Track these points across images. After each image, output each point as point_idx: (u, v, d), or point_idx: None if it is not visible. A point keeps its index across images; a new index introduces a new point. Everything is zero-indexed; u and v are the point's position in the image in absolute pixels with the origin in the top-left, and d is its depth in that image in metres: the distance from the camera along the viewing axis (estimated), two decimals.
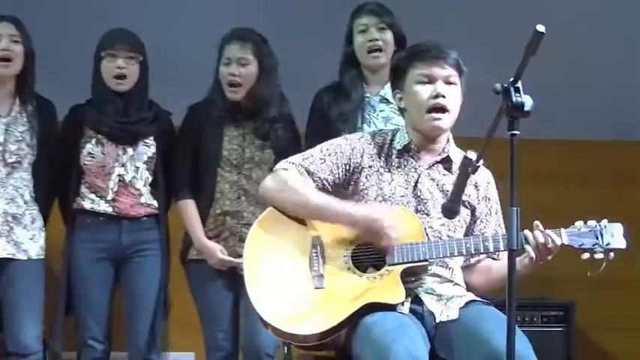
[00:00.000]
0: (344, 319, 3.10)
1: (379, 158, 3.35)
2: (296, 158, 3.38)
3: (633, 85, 5.82)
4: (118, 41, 4.33)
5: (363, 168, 3.34)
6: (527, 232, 3.14)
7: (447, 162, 3.36)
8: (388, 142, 3.37)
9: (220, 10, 5.45)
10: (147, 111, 4.42)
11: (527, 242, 3.13)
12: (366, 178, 3.33)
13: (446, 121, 3.29)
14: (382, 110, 4.34)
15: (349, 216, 3.20)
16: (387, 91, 4.28)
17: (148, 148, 4.40)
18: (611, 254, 3.16)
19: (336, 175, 3.34)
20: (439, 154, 3.36)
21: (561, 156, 5.86)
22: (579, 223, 3.20)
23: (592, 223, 3.20)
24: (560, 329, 5.38)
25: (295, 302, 3.17)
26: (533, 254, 3.12)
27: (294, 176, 3.30)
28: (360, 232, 3.21)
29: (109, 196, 4.34)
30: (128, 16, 5.03)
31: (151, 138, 4.41)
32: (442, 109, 3.26)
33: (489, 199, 3.40)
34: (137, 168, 4.38)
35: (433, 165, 3.35)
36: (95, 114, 4.36)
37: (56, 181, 4.41)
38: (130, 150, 4.38)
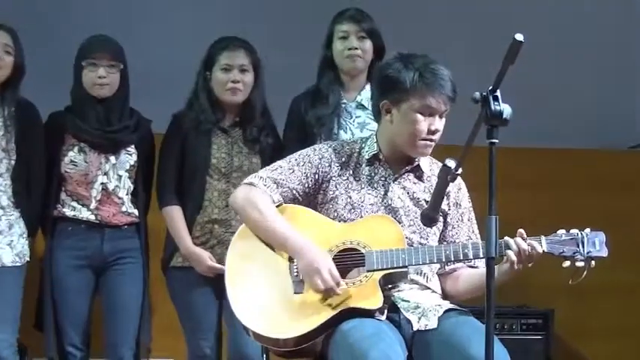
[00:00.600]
0: (321, 324, 3.11)
1: (348, 167, 3.36)
2: (264, 172, 3.40)
3: (616, 94, 5.85)
4: (98, 50, 4.30)
5: (331, 177, 3.35)
6: (507, 238, 3.14)
7: (417, 170, 3.38)
8: (357, 151, 3.39)
9: (198, 15, 5.46)
10: (128, 119, 4.40)
11: (509, 248, 3.13)
12: (335, 187, 3.35)
13: (431, 149, 3.33)
14: (358, 116, 4.35)
15: (299, 252, 3.20)
16: (363, 97, 4.32)
17: (130, 157, 4.38)
18: (593, 262, 3.17)
19: (306, 185, 3.35)
20: (409, 164, 3.37)
21: (539, 164, 5.88)
22: (561, 232, 3.21)
23: (574, 231, 3.21)
24: (539, 337, 5.39)
25: (275, 307, 3.18)
26: (514, 258, 3.12)
27: (261, 196, 3.32)
28: (301, 267, 3.20)
29: (92, 205, 4.31)
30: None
31: (133, 146, 4.39)
32: (431, 141, 3.30)
33: (460, 204, 3.42)
34: (120, 176, 4.35)
35: (403, 174, 3.36)
36: (76, 121, 4.32)
37: (42, 184, 4.35)
38: (112, 158, 4.35)
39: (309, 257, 3.18)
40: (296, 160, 3.38)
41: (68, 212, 4.32)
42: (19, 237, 4.27)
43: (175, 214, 4.34)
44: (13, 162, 4.26)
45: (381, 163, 3.35)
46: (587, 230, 3.22)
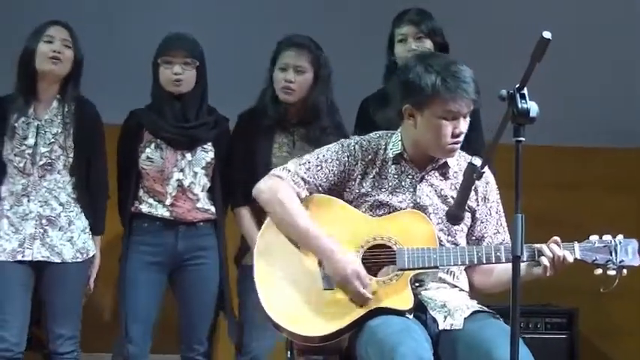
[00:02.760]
0: (350, 323, 3.11)
1: (374, 165, 3.34)
2: (292, 165, 3.38)
3: (635, 92, 5.82)
4: (173, 47, 4.34)
5: (358, 175, 3.34)
6: (542, 245, 3.13)
7: (443, 167, 3.35)
8: (382, 148, 3.37)
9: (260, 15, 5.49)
10: (206, 116, 4.43)
11: (542, 254, 3.12)
12: (362, 184, 3.33)
13: (457, 150, 3.30)
14: None
15: (329, 255, 3.18)
16: None
17: (206, 154, 4.41)
18: (624, 271, 3.16)
19: (332, 182, 3.34)
20: (436, 161, 3.35)
21: (561, 162, 5.86)
22: (594, 238, 3.19)
23: (607, 237, 3.19)
24: (563, 336, 5.39)
25: (303, 302, 3.18)
26: (547, 264, 3.11)
27: (286, 190, 3.31)
28: (331, 273, 3.19)
29: (168, 201, 4.35)
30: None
31: (209, 143, 4.42)
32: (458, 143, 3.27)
33: (488, 199, 3.39)
34: (195, 173, 4.38)
35: (430, 171, 3.34)
36: (154, 118, 4.37)
37: (104, 185, 4.42)
38: (188, 155, 4.38)
39: (335, 263, 3.17)
40: (324, 156, 3.37)
41: (144, 209, 4.36)
42: (80, 233, 4.33)
43: (245, 214, 4.36)
44: (70, 159, 4.31)
45: (406, 162, 3.34)
46: (620, 237, 3.20)
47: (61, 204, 4.29)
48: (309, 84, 4.36)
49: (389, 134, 3.41)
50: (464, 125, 3.24)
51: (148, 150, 4.36)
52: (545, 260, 3.11)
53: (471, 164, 2.96)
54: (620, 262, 3.15)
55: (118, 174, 4.45)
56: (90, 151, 4.36)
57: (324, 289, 3.18)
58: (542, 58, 2.56)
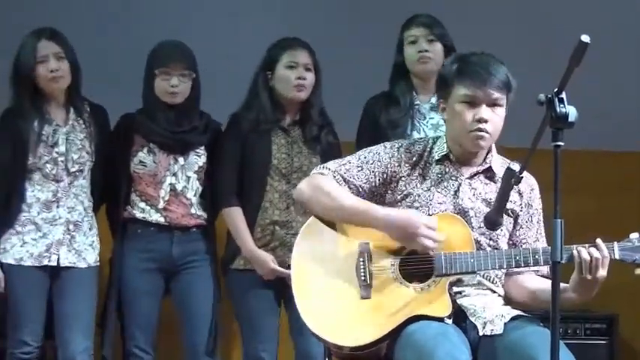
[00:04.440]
0: (389, 332, 3.09)
1: (417, 167, 3.32)
2: (333, 164, 3.36)
3: None
4: (172, 59, 4.36)
5: (401, 177, 3.31)
6: (581, 248, 3.08)
7: (488, 172, 3.32)
8: (427, 150, 3.34)
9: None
10: (198, 120, 4.45)
11: (577, 255, 3.07)
12: (404, 186, 3.30)
13: (487, 141, 3.25)
14: (432, 117, 4.36)
15: (385, 219, 3.16)
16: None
17: (198, 158, 4.43)
18: None
19: (373, 184, 3.32)
20: (480, 165, 3.32)
21: (597, 166, 5.82)
22: (634, 236, 3.15)
23: None
24: (603, 342, 5.34)
25: (341, 312, 3.16)
26: (579, 260, 3.06)
27: (329, 181, 3.30)
28: (395, 236, 3.17)
29: (161, 205, 4.37)
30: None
31: (202, 148, 4.44)
32: (483, 132, 3.22)
33: (531, 205, 3.35)
34: (188, 177, 4.41)
35: (475, 175, 3.31)
36: (147, 122, 4.40)
37: (106, 187, 4.45)
38: (181, 159, 4.41)
39: (398, 225, 3.13)
40: (365, 157, 3.34)
41: (138, 214, 4.38)
42: (96, 237, 4.40)
43: (236, 215, 4.36)
44: (92, 163, 4.36)
45: (451, 163, 3.30)
46: None
47: (84, 209, 4.34)
48: (313, 83, 4.41)
49: (434, 138, 3.39)
50: (486, 113, 3.19)
51: (140, 154, 4.38)
52: (576, 255, 3.06)
53: (509, 169, 2.95)
54: None
55: (106, 178, 4.43)
56: (101, 156, 4.39)
57: (362, 299, 3.16)
58: (580, 62, 2.55)
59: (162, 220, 4.37)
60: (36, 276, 4.27)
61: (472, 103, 3.20)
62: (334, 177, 3.31)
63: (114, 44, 5.28)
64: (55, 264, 4.26)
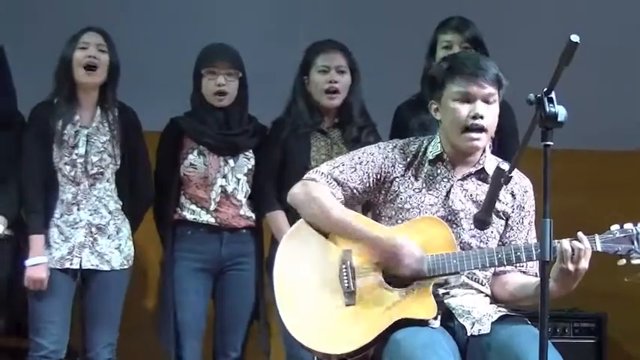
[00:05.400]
0: (375, 337, 3.07)
1: (411, 167, 3.31)
2: (326, 167, 3.35)
3: None
4: (217, 58, 4.40)
5: (394, 177, 3.30)
6: (562, 240, 3.07)
7: (481, 173, 3.31)
8: (422, 150, 3.33)
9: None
10: (247, 124, 4.49)
11: (562, 248, 3.05)
12: (397, 187, 3.29)
13: (483, 140, 3.24)
14: None
15: (373, 242, 3.16)
16: None
17: (247, 161, 4.47)
18: None
19: (367, 185, 3.31)
20: (474, 166, 3.31)
21: (590, 166, 5.83)
22: (615, 227, 3.15)
23: (628, 226, 3.15)
24: (591, 341, 5.34)
25: (327, 321, 3.13)
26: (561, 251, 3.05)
27: (320, 188, 3.29)
28: (380, 260, 3.17)
29: (212, 207, 4.39)
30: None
31: (250, 151, 4.47)
32: (479, 129, 3.21)
33: (523, 207, 3.34)
34: (238, 179, 4.44)
35: (467, 176, 3.30)
36: (197, 125, 4.42)
37: (156, 191, 4.46)
38: (231, 161, 4.44)
39: (386, 256, 3.15)
40: (359, 158, 3.33)
41: (188, 215, 4.41)
42: (126, 240, 4.38)
43: (280, 218, 4.39)
44: (117, 167, 4.34)
45: (444, 164, 3.29)
46: None
47: (110, 212, 4.34)
48: (349, 85, 4.42)
49: (429, 138, 3.38)
50: (481, 108, 3.19)
51: (191, 157, 4.41)
52: (558, 247, 3.04)
53: (498, 168, 2.95)
54: None
55: (156, 182, 4.47)
56: (134, 159, 4.40)
57: (347, 306, 3.14)
58: (570, 62, 2.55)
59: (212, 220, 4.39)
60: (58, 279, 4.25)
61: (466, 99, 3.20)
62: (327, 181, 3.30)
63: (157, 51, 5.34)
64: (77, 267, 4.26)
